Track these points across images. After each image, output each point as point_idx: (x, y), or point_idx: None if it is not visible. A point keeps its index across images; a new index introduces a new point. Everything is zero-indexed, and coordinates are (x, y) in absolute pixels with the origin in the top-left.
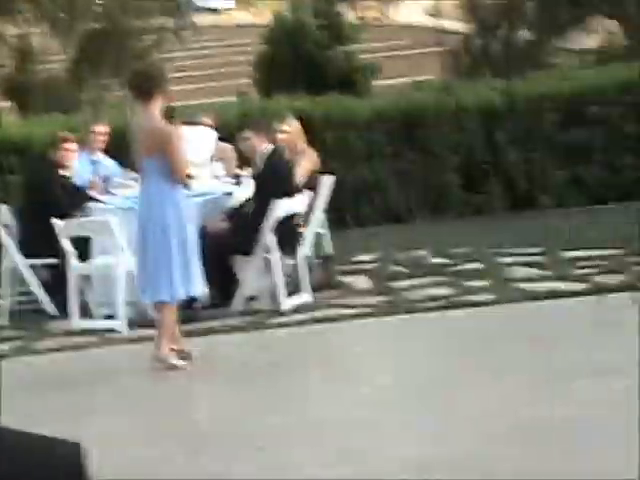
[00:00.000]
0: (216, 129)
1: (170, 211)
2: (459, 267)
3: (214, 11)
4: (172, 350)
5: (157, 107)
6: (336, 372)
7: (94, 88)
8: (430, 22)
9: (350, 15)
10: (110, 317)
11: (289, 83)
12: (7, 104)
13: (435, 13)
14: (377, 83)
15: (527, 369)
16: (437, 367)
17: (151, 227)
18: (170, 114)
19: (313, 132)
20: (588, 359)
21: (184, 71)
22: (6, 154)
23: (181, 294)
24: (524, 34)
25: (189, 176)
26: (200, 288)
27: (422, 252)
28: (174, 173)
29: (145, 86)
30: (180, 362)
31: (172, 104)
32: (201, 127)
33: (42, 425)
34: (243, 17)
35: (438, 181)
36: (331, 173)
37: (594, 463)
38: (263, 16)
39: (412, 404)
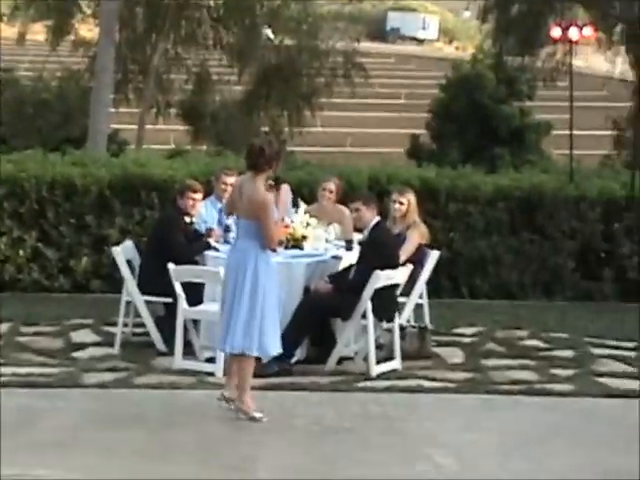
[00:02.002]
0: (343, 193)
1: (252, 272)
2: (552, 352)
3: (419, 41)
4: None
5: (264, 178)
6: (399, 445)
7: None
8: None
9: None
10: (212, 360)
11: (461, 133)
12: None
13: None
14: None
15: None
16: (493, 456)
17: (234, 283)
18: (276, 182)
19: (437, 202)
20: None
21: (376, 98)
22: (148, 190)
23: (255, 351)
24: None
25: (280, 243)
26: (275, 349)
27: (522, 332)
28: (265, 239)
29: (258, 161)
30: (260, 414)
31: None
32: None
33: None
34: (446, 50)
35: (553, 263)
36: (450, 243)
37: None
38: (466, 50)
39: None
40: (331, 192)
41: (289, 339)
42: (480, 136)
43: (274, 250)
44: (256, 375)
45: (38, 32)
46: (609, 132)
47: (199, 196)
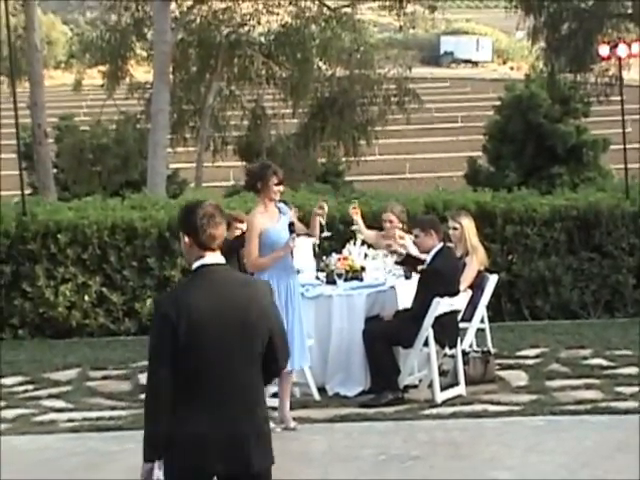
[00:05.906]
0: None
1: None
2: (616, 370)
3: (474, 64)
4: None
5: (264, 199)
6: (466, 470)
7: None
8: None
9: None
10: (276, 394)
11: (518, 154)
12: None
13: None
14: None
15: None
16: (559, 477)
17: None
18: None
19: (494, 226)
20: None
21: (433, 123)
22: None
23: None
24: None
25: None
26: (306, 362)
27: (585, 351)
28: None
29: (249, 182)
30: (296, 424)
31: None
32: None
33: None
34: (501, 71)
35: (613, 280)
36: (509, 266)
37: None
38: (521, 70)
39: None
40: (391, 222)
41: (382, 371)
42: (537, 156)
43: (250, 272)
44: (369, 405)
45: (94, 77)
46: None
47: (243, 225)
